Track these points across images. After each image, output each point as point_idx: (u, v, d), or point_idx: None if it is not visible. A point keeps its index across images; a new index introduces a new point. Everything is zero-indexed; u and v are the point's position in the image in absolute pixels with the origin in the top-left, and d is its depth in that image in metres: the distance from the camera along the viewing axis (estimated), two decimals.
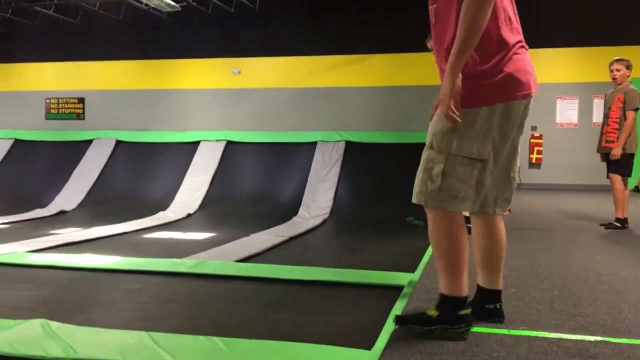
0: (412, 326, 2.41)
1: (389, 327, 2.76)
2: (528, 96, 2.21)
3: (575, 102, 11.79)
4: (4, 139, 13.58)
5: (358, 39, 11.97)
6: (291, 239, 7.86)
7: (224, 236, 7.88)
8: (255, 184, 11.64)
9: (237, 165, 12.03)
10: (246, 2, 11.88)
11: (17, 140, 13.55)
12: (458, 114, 2.05)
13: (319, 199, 10.64)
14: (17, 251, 6.48)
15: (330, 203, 10.55)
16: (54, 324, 3.62)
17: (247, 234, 7.95)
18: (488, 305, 2.48)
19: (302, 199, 10.75)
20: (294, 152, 11.83)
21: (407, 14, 11.19)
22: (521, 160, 11.72)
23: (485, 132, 2.12)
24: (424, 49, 11.76)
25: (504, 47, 2.11)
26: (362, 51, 12.08)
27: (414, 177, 2.33)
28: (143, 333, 3.45)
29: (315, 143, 11.86)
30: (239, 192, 11.38)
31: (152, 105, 13.37)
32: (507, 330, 2.49)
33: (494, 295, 2.51)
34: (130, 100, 13.48)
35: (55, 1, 12.20)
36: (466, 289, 2.31)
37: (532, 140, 11.76)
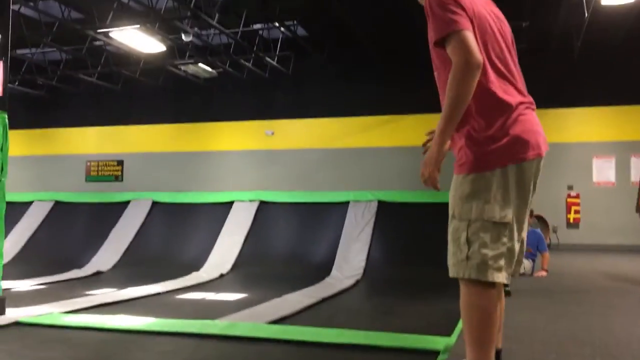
0: None
1: None
2: (538, 156, 2.17)
3: (612, 160, 11.61)
4: (45, 201, 14.00)
5: (389, 100, 12.17)
6: (324, 300, 7.78)
7: (256, 297, 7.85)
8: (287, 244, 11.65)
9: (269, 225, 12.10)
10: (279, 66, 12.27)
11: (57, 202, 13.95)
12: (438, 179, 2.09)
13: (351, 260, 10.56)
14: (52, 312, 6.56)
15: (363, 263, 10.45)
16: None
17: (279, 295, 7.90)
18: None
19: (334, 259, 10.69)
20: (327, 212, 11.86)
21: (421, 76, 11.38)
22: (559, 219, 11.51)
23: (503, 195, 2.10)
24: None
25: (506, 109, 2.11)
26: (393, 112, 12.25)
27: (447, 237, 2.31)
28: None
29: (347, 203, 11.88)
30: (272, 252, 11.39)
31: (188, 166, 13.68)
32: None
33: (498, 354, 2.46)
34: (167, 162, 13.83)
35: (99, 69, 12.82)
36: None
37: (569, 200, 11.55)
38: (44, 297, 8.11)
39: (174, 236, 12.48)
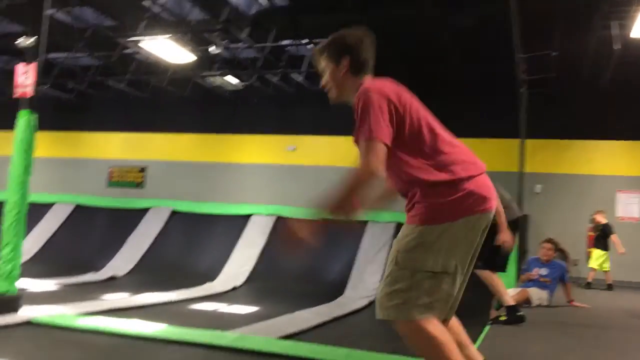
0: None
1: None
2: (489, 210, 2.29)
3: (636, 195, 11.42)
4: (66, 203, 14.16)
5: None
6: (336, 319, 7.70)
7: (268, 311, 7.81)
8: (302, 260, 11.60)
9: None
10: (306, 83, 12.34)
11: (78, 206, 14.10)
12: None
13: (366, 280, 10.48)
14: (66, 313, 6.59)
15: (378, 285, 10.35)
16: None
17: (292, 311, 7.85)
18: None
19: (349, 279, 10.62)
20: (344, 231, 11.80)
21: (462, 99, 11.36)
22: (581, 254, 11.29)
23: (449, 247, 2.20)
24: (481, 134, 11.82)
25: (457, 185, 2.26)
26: None
27: None
28: None
29: (365, 223, 11.82)
30: (286, 268, 11.34)
31: (209, 176, 13.76)
32: None
33: None
34: (188, 171, 13.94)
35: (128, 76, 13.03)
36: None
37: (591, 234, 11.34)
38: (58, 298, 8.17)
39: (190, 246, 12.52)
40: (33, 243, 12.56)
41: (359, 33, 2.58)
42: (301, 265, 11.47)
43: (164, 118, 14.29)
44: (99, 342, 5.52)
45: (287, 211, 12.62)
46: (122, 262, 12.10)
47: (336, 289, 10.16)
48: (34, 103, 6.75)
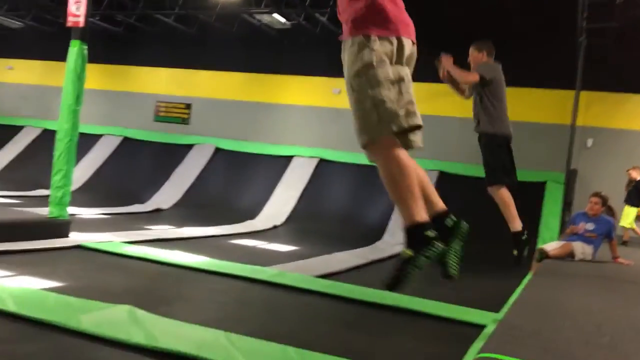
0: (403, 277, 2.31)
1: None
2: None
3: None
4: (115, 135, 14.49)
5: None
6: (373, 262, 7.78)
7: (306, 251, 7.94)
8: (343, 203, 11.67)
9: (327, 183, 12.12)
10: None
11: (125, 138, 14.42)
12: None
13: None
14: (113, 240, 6.85)
15: None
16: (140, 312, 3.78)
17: (330, 252, 7.96)
18: (445, 224, 2.48)
19: (388, 224, 10.64)
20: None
21: (519, 47, 10.91)
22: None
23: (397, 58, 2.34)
24: (535, 84, 11.41)
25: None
26: None
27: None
28: (220, 332, 3.52)
29: None
30: (326, 210, 11.45)
31: (253, 116, 13.79)
32: None
33: (445, 214, 2.50)
34: (232, 110, 13.98)
35: (176, 10, 12.97)
36: (425, 215, 2.32)
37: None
38: (106, 225, 8.48)
39: (232, 183, 12.72)
40: (82, 172, 12.97)
41: None
42: (341, 208, 11.55)
43: (210, 55, 14.24)
44: (143, 269, 5.73)
45: (329, 154, 12.62)
46: (167, 195, 12.42)
47: (375, 233, 10.22)
48: (85, 34, 6.82)
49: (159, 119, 14.64)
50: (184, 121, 14.41)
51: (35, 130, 14.85)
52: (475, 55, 4.38)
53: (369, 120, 2.28)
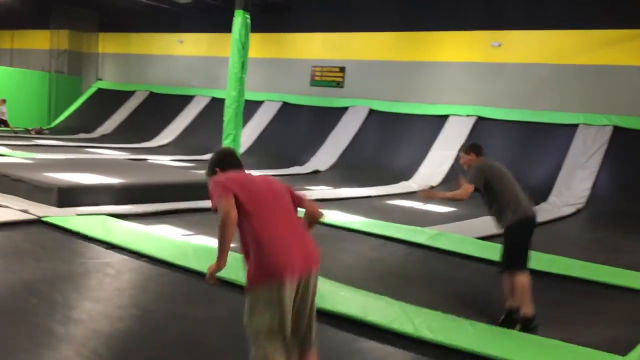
0: None
1: None
2: (292, 275, 2.30)
3: None
4: (275, 101, 15.17)
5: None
6: (539, 224, 7.35)
7: (464, 212, 7.72)
8: (503, 163, 11.11)
9: (485, 142, 11.47)
10: None
11: (285, 104, 15.03)
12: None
13: (574, 187, 9.75)
14: None
15: (588, 192, 9.59)
16: None
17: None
18: None
19: (554, 185, 9.98)
20: (551, 134, 10.98)
21: None
22: None
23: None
24: None
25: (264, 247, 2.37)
26: None
27: None
28: (384, 297, 3.56)
29: (576, 126, 10.83)
30: None
31: (406, 76, 13.59)
32: None
33: None
34: (385, 71, 13.89)
35: None
36: None
37: None
38: None
39: (387, 144, 12.73)
40: (246, 137, 13.78)
41: None
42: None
43: (363, 17, 14.20)
44: None
45: (488, 112, 12.07)
46: (324, 157, 12.79)
47: (539, 195, 9.64)
48: (248, 3, 7.13)
49: (314, 83, 15.01)
50: (339, 84, 14.62)
51: (204, 99, 16.02)
52: (466, 158, 4.23)
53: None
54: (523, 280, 3.79)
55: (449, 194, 4.18)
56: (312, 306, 2.39)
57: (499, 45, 12.17)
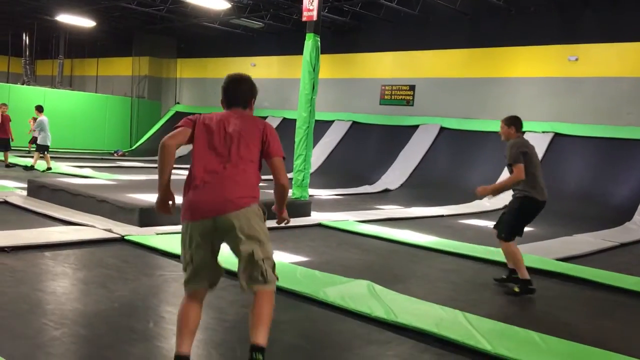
0: None
1: None
2: (203, 218, 2.55)
3: None
4: (344, 120, 15.28)
5: None
6: (622, 245, 7.01)
7: (543, 232, 7.46)
8: (582, 181, 10.70)
9: (563, 159, 11.21)
10: None
11: (354, 123, 15.11)
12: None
13: None
14: (348, 219, 7.26)
15: None
16: (378, 287, 3.95)
17: (570, 234, 7.39)
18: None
19: (639, 202, 9.48)
20: (634, 150, 10.45)
21: None
22: None
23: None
24: None
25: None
26: None
27: None
28: (458, 312, 3.51)
29: None
30: (564, 188, 10.59)
31: (477, 93, 13.36)
32: None
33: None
34: (456, 88, 13.71)
35: None
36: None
37: None
38: (341, 206, 9.02)
39: (458, 162, 12.51)
40: (317, 156, 13.95)
41: None
42: (581, 186, 10.61)
43: (433, 35, 14.13)
44: (378, 246, 5.97)
45: (566, 128, 11.66)
46: (394, 176, 12.73)
47: (622, 213, 9.19)
48: (318, 26, 7.28)
49: (384, 102, 15.03)
50: (409, 103, 14.57)
51: (276, 120, 16.38)
52: (505, 129, 4.71)
53: None
54: (514, 249, 4.36)
55: (504, 180, 4.61)
56: (247, 245, 2.52)
57: (576, 60, 11.77)
